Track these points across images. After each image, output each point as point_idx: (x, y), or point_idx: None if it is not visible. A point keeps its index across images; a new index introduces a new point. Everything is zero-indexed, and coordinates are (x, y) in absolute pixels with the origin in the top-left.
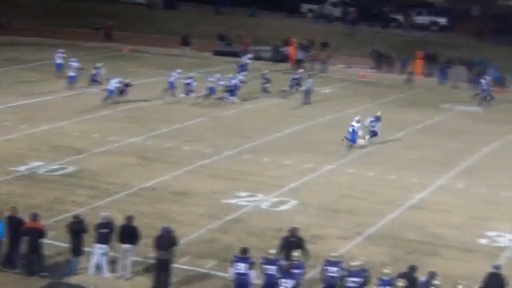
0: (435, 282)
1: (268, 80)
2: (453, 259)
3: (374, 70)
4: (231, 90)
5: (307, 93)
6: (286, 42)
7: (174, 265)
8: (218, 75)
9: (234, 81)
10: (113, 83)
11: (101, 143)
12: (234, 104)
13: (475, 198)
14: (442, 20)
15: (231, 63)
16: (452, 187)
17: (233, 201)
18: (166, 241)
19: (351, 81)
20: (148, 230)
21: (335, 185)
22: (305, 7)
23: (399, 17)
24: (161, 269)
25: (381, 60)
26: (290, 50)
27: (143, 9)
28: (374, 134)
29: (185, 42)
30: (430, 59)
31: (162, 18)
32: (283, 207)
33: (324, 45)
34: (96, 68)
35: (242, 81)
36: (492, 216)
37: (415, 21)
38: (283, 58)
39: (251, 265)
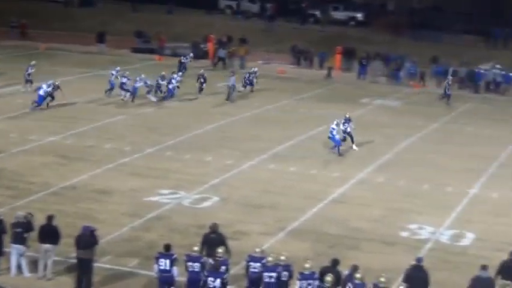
0: (358, 275)
1: (205, 80)
2: (375, 252)
3: (292, 66)
4: (170, 90)
5: (231, 90)
6: (207, 39)
7: (96, 264)
8: (142, 76)
9: (173, 82)
10: (45, 88)
11: (19, 142)
12: (154, 102)
13: (395, 191)
14: (359, 15)
15: (149, 60)
16: (372, 181)
17: (155, 198)
18: (87, 240)
19: (270, 77)
20: (69, 230)
21: (256, 180)
22: (223, 3)
23: (317, 13)
24: (82, 269)
25: (299, 55)
26: (209, 47)
27: (59, 7)
28: (350, 136)
29: (100, 39)
30: (348, 54)
31: (79, 16)
32: (205, 204)
33: (243, 41)
34: (30, 66)
35: (178, 82)
36: (412, 209)
37: (333, 17)
38: (204, 55)
39: (174, 261)
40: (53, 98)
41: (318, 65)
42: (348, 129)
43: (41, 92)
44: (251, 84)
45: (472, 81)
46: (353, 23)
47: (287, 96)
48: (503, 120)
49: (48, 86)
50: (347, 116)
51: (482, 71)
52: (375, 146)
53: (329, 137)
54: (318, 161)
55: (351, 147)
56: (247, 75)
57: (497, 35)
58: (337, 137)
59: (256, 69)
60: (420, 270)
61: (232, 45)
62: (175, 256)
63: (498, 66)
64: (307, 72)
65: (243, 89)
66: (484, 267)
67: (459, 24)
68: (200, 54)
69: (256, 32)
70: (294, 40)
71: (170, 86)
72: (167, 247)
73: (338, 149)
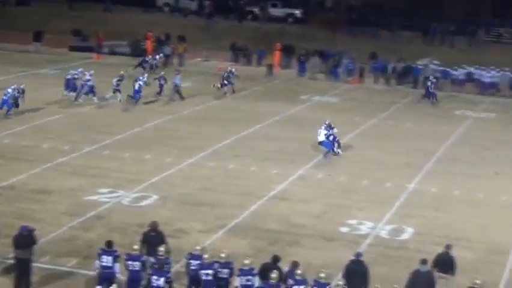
0: (298, 271)
1: (166, 81)
2: (315, 248)
3: (231, 63)
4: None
5: (175, 89)
6: (145, 37)
7: (35, 264)
8: (92, 72)
9: (140, 83)
10: (10, 92)
11: None
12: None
13: (335, 187)
14: (297, 12)
15: (87, 58)
16: (312, 177)
17: (94, 198)
18: (25, 240)
19: (209, 74)
20: (7, 230)
21: (195, 178)
22: (161, 1)
23: (255, 10)
24: (21, 269)
25: (238, 53)
26: (147, 45)
27: None
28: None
29: (36, 38)
30: (288, 51)
31: (15, 14)
32: (144, 203)
33: (181, 39)
34: None
35: (145, 82)
36: (352, 205)
37: (271, 14)
38: (142, 53)
39: (116, 258)
40: (17, 105)
41: (256, 62)
42: (333, 136)
43: (5, 97)
44: (230, 83)
45: (409, 76)
46: (291, 19)
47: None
48: (441, 116)
49: (14, 89)
50: (327, 122)
51: (420, 67)
52: (315, 142)
53: (320, 143)
54: (257, 158)
55: (337, 152)
56: (225, 74)
57: (435, 31)
58: (327, 140)
59: (233, 69)
60: (359, 265)
61: (171, 43)
62: (117, 253)
63: (436, 62)
64: (246, 70)
65: (219, 86)
66: (423, 262)
67: (396, 21)
68: (138, 52)
69: (195, 30)
70: (233, 37)
71: (136, 87)
72: (110, 244)
73: (327, 153)
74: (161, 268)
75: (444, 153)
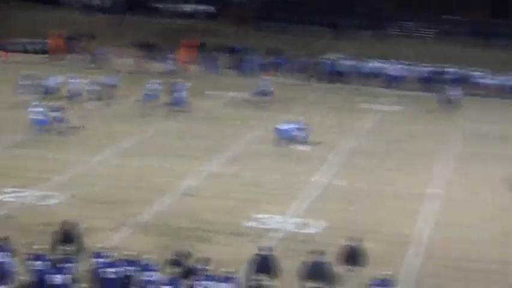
0: (209, 267)
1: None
2: (225, 244)
3: (143, 60)
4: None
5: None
6: (52, 35)
7: None
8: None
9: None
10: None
11: None
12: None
13: (244, 182)
14: (208, 8)
15: None
16: (222, 173)
17: None
18: None
19: (121, 71)
20: None
21: (103, 176)
22: None
23: (165, 6)
24: None
25: (148, 49)
26: (57, 42)
27: None
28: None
29: None
30: (198, 47)
31: None
32: (51, 201)
33: (92, 36)
34: None
35: None
36: (262, 199)
37: (182, 9)
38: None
39: (10, 253)
40: None
41: (165, 59)
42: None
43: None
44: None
45: (317, 71)
46: (202, 15)
47: (138, 89)
48: (349, 109)
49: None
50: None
51: (329, 62)
52: (224, 138)
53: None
54: (166, 155)
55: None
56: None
57: (345, 26)
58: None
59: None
60: (267, 259)
61: (82, 41)
62: (12, 247)
63: (343, 56)
64: (155, 66)
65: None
66: (317, 253)
67: (307, 16)
68: (45, 50)
69: (105, 27)
70: (143, 34)
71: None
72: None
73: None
74: (56, 265)
75: (353, 147)
